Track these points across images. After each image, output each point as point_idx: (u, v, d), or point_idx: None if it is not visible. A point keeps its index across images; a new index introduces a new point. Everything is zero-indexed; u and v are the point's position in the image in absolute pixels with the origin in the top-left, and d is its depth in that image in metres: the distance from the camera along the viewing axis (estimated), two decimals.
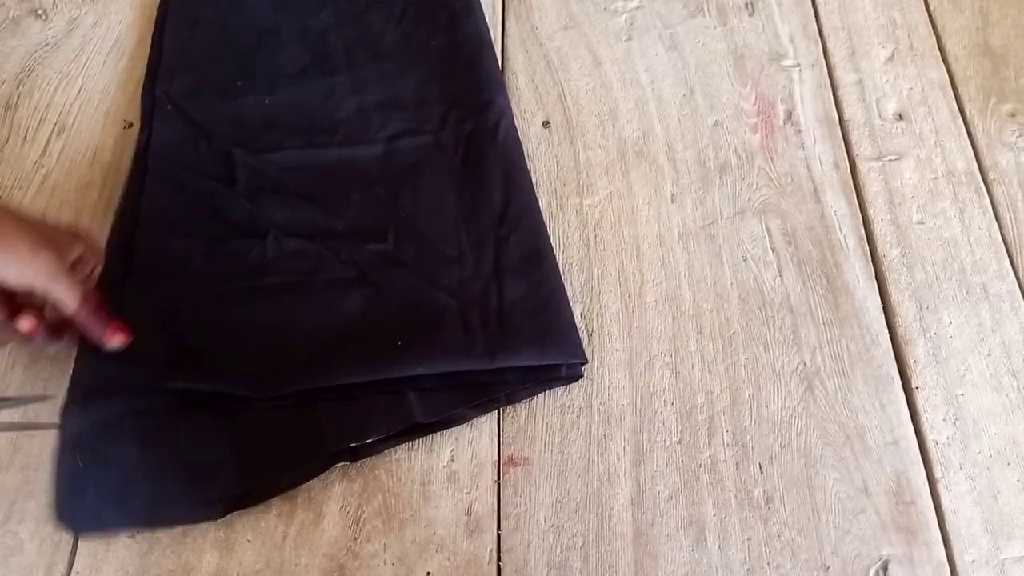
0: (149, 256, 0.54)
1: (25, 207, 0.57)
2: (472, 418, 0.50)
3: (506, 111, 0.60)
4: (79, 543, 0.47)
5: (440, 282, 0.53)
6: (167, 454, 0.48)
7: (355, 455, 0.49)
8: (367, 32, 0.65)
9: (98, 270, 0.53)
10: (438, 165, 0.58)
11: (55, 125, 0.62)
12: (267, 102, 0.61)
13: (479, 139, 0.59)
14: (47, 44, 0.66)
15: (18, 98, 0.63)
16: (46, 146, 0.61)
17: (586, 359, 0.51)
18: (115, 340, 0.48)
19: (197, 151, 0.59)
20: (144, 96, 0.61)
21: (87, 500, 0.47)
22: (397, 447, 0.49)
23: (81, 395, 0.50)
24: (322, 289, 0.53)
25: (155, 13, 0.67)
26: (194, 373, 0.49)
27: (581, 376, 0.51)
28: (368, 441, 0.48)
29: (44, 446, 0.49)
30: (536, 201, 0.57)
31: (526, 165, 0.58)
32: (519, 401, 0.51)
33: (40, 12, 0.68)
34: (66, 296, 0.46)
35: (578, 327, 0.52)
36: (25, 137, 0.61)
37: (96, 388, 0.50)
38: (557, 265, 0.54)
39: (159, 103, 0.60)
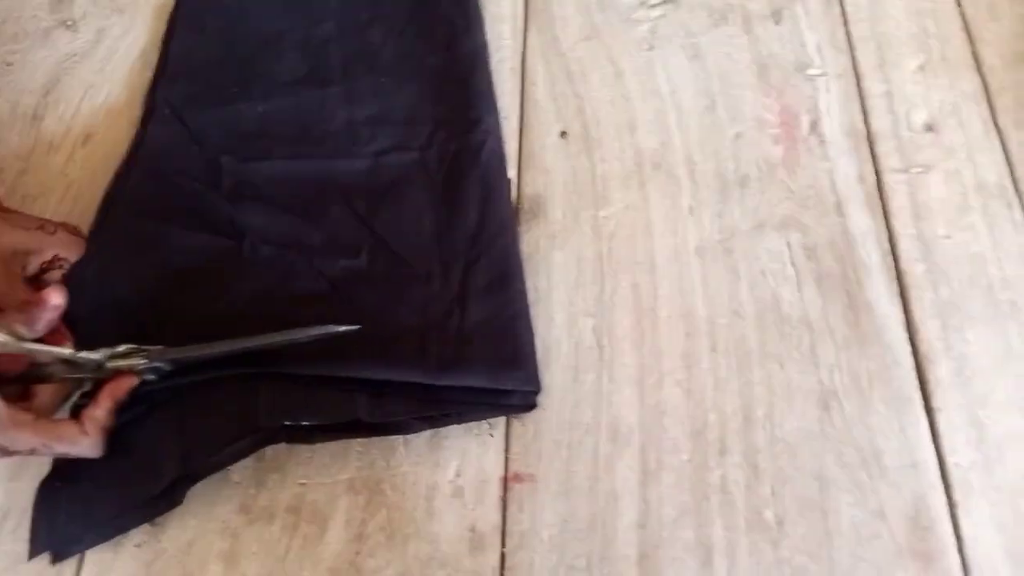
0: (119, 233, 0.55)
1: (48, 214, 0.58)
2: (418, 430, 0.49)
3: (493, 131, 0.59)
4: (86, 553, 0.47)
5: (405, 301, 0.53)
6: (121, 450, 0.48)
7: (291, 438, 0.49)
8: (367, 45, 0.65)
9: None
10: (419, 183, 0.58)
11: (80, 134, 0.63)
12: (260, 110, 0.61)
13: (462, 159, 0.58)
14: (75, 55, 0.67)
15: (45, 108, 0.64)
16: (71, 155, 0.62)
17: (539, 388, 0.50)
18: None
19: (188, 156, 0.59)
20: (147, 101, 0.62)
21: (58, 521, 0.47)
22: (404, 463, 0.49)
23: None
24: (288, 298, 0.53)
25: None
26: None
27: (535, 406, 0.50)
28: (304, 424, 0.48)
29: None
30: (511, 223, 0.56)
31: (506, 187, 0.58)
32: (469, 421, 0.50)
33: (70, 23, 0.69)
34: None
35: (588, 344, 0.52)
36: (50, 146, 0.62)
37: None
38: (524, 289, 0.53)
39: (158, 107, 0.61)
